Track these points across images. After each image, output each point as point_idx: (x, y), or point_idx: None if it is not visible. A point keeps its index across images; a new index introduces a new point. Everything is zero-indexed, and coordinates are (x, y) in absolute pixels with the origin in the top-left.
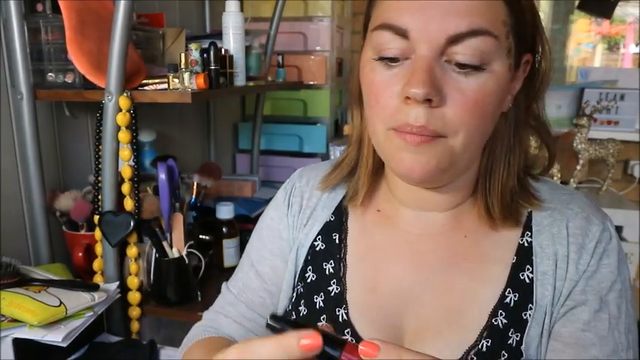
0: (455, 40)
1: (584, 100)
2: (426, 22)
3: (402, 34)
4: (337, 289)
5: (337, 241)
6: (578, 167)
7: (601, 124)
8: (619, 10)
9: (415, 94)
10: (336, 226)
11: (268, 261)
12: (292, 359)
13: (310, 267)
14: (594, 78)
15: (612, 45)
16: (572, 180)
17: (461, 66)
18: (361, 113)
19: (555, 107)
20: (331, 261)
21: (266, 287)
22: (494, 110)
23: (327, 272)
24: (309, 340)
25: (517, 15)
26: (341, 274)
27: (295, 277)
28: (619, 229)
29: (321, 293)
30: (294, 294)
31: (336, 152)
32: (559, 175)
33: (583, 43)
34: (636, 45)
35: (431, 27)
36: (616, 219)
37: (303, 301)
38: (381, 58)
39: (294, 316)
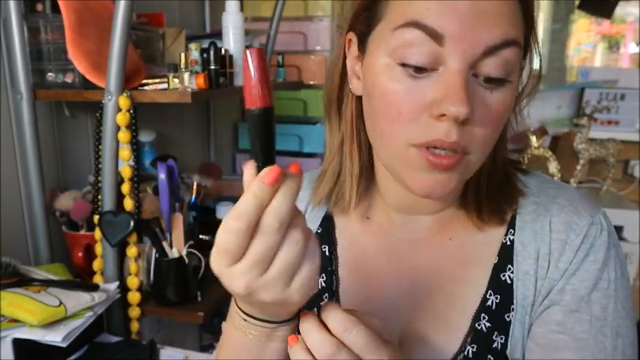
0: (491, 51)
1: (585, 100)
2: (464, 30)
3: (436, 37)
4: None
5: (327, 253)
6: (579, 167)
7: (601, 124)
8: (619, 10)
9: (457, 113)
10: (324, 238)
11: None
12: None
13: None
14: (594, 78)
15: (612, 45)
16: (572, 180)
17: (489, 80)
18: (340, 119)
19: (555, 107)
20: (322, 274)
21: None
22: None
23: (319, 286)
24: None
25: (528, 22)
26: (334, 287)
27: None
28: (619, 229)
29: (315, 309)
30: None
31: None
32: (559, 175)
33: (583, 43)
34: (636, 45)
35: (469, 36)
36: (616, 219)
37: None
38: (404, 65)
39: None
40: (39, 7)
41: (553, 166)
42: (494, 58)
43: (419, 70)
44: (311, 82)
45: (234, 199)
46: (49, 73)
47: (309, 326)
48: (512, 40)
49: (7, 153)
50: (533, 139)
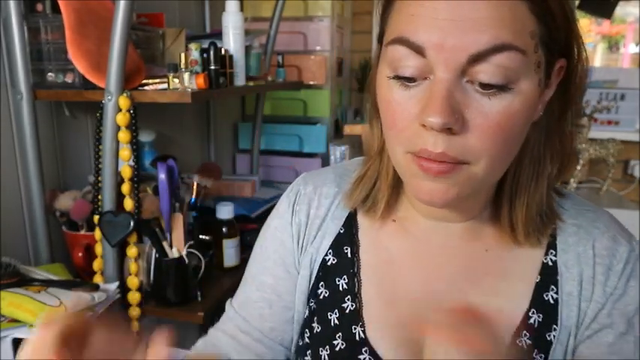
0: (477, 58)
1: (585, 100)
2: (444, 39)
3: (418, 51)
4: (352, 305)
5: (349, 255)
6: (579, 167)
7: (601, 124)
8: (619, 10)
9: (432, 124)
10: (346, 239)
11: (270, 270)
12: None
13: (322, 283)
14: (594, 78)
15: (612, 45)
16: (572, 180)
17: (485, 86)
18: (381, 124)
19: None
20: (344, 276)
21: (265, 296)
22: (520, 131)
23: (340, 288)
24: None
25: (547, 22)
26: (356, 289)
27: (308, 292)
28: None
29: (335, 310)
30: (307, 311)
31: (336, 152)
32: None
33: None
34: (636, 45)
35: (449, 44)
36: None
37: (316, 318)
38: (397, 77)
39: (308, 334)
40: (39, 7)
41: None
42: (485, 64)
43: (410, 80)
44: (311, 82)
45: (234, 199)
46: (49, 73)
47: None
48: (502, 44)
49: (7, 153)
50: None
